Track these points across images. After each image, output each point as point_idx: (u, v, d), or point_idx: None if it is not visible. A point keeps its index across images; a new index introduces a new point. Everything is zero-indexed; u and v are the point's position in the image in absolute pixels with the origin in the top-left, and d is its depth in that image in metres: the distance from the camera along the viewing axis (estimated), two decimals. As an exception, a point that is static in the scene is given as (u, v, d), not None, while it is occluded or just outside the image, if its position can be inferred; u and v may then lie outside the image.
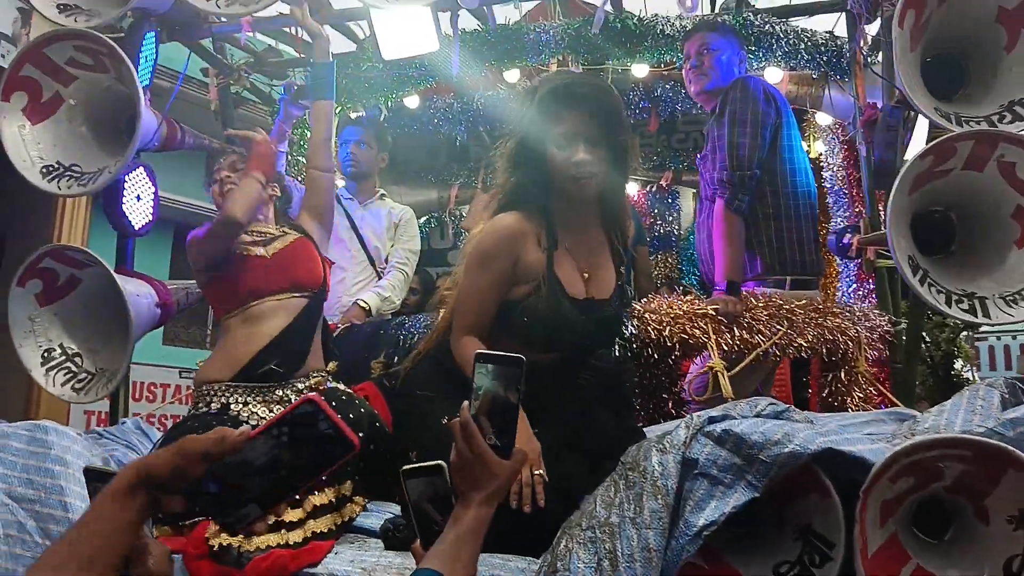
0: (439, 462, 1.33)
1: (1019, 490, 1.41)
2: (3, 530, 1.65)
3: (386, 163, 3.73)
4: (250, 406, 2.12)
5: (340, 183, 3.96)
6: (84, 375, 2.85)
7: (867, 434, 1.67)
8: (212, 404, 2.13)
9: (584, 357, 2.06)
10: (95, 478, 1.33)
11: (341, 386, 2.27)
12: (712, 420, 1.53)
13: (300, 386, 2.20)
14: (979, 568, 1.46)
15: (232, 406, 2.11)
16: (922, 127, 2.92)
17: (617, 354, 2.53)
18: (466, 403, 1.23)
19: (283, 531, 1.79)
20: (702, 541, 1.43)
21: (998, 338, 13.49)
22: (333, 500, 1.91)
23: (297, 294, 2.30)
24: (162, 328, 8.50)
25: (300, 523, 1.82)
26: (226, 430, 1.03)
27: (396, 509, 1.93)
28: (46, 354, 2.84)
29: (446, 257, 5.29)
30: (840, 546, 1.46)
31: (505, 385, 1.25)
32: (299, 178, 4.03)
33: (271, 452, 1.06)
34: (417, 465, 1.36)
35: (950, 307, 2.24)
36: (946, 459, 1.44)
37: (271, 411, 2.11)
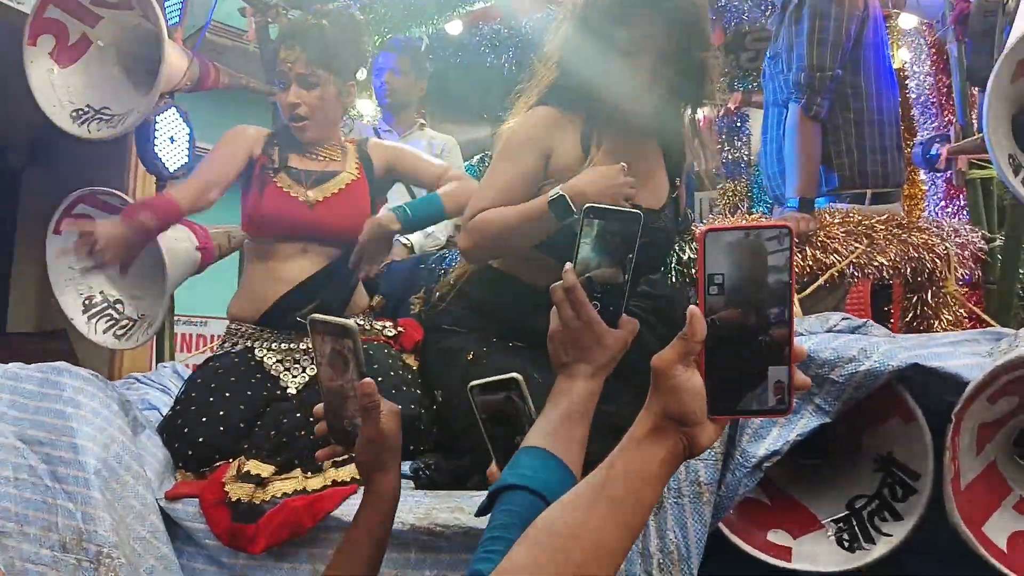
0: (513, 374, 1.19)
1: None
2: (14, 474, 1.57)
3: (424, 91, 3.54)
4: (273, 354, 2.00)
5: (375, 113, 3.81)
6: (126, 321, 2.79)
7: (962, 353, 1.43)
8: (237, 344, 2.02)
9: (633, 276, 1.84)
10: (317, 327, 1.21)
11: (379, 324, 2.12)
12: (773, 336, 1.32)
13: None
14: (1099, 502, 1.23)
15: (256, 350, 2.00)
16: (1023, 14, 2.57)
17: (674, 280, 2.31)
18: (569, 265, 1.06)
19: (300, 477, 1.67)
20: (762, 474, 1.23)
21: (1105, 267, 12.60)
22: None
23: (333, 244, 2.12)
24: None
25: (320, 470, 1.69)
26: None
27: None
28: (87, 302, 2.79)
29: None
30: (927, 477, 1.24)
31: (617, 245, 1.09)
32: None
33: None
34: (487, 380, 1.22)
35: (1058, 210, 1.95)
36: (1060, 373, 1.20)
37: (295, 360, 1.99)
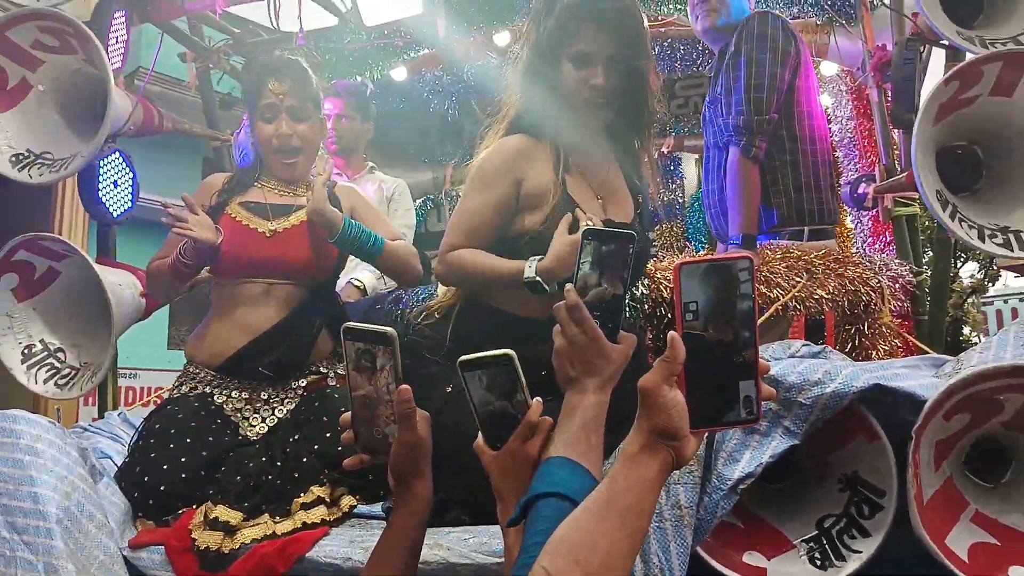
0: (507, 351, 1.22)
1: (1090, 421, 1.26)
2: (-31, 527, 1.50)
3: (371, 133, 3.57)
4: (232, 401, 1.97)
5: (323, 155, 3.81)
6: (68, 370, 2.70)
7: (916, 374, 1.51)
8: (196, 388, 1.98)
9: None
10: (353, 335, 1.22)
11: (342, 369, 2.11)
12: (742, 362, 1.38)
13: (293, 384, 2.03)
14: (1046, 510, 1.32)
15: (216, 396, 1.97)
16: (937, 63, 2.77)
17: (628, 315, 2.38)
18: (569, 285, 1.14)
19: (268, 522, 1.64)
20: (738, 496, 1.28)
21: (1005, 301, 13.36)
22: (325, 497, 1.74)
23: (295, 282, 2.09)
24: (167, 333, 8.44)
25: (289, 514, 1.67)
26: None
27: None
28: (27, 351, 2.69)
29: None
30: (892, 494, 1.31)
31: (613, 264, 1.17)
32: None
33: None
34: (477, 355, 1.23)
35: (983, 242, 2.09)
36: (1007, 390, 1.29)
37: (255, 410, 1.96)
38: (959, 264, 14.18)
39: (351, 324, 1.23)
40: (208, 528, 1.58)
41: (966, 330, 14.56)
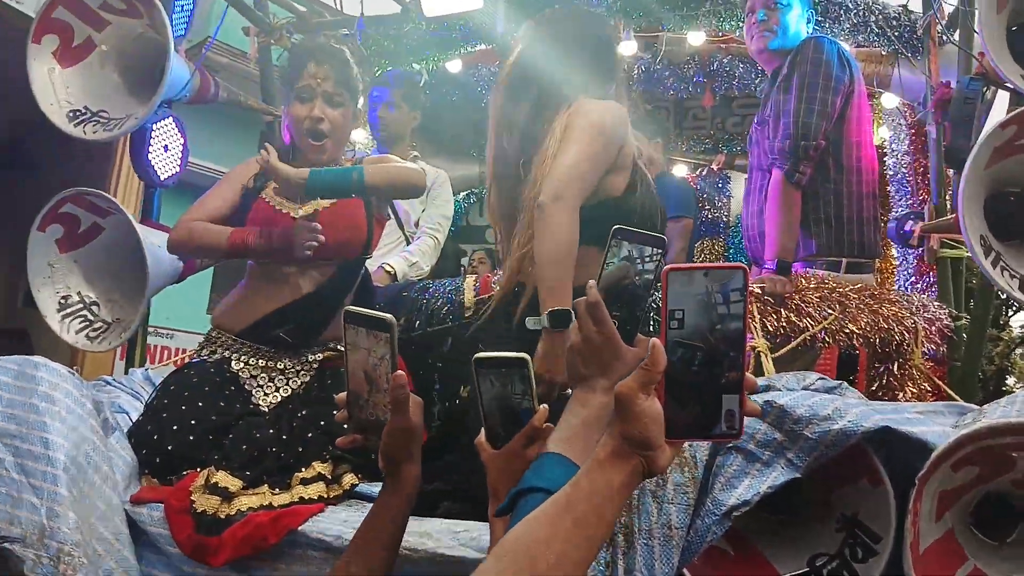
0: (523, 354, 1.23)
1: (1106, 489, 1.22)
2: (-19, 465, 1.55)
3: (418, 121, 3.58)
4: (249, 368, 2.00)
5: (367, 142, 3.84)
6: (100, 324, 2.77)
7: (929, 420, 1.47)
8: (216, 353, 2.02)
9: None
10: (353, 320, 1.24)
11: None
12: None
13: (310, 357, 2.06)
14: (1051, 575, 1.27)
15: (233, 362, 2.00)
16: (1001, 105, 2.69)
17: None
18: (592, 282, 1.10)
19: (267, 493, 1.67)
20: (731, 522, 1.26)
21: (1053, 353, 12.94)
22: (326, 473, 1.76)
23: (326, 261, 2.12)
24: (208, 298, 8.62)
25: (288, 487, 1.69)
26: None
27: None
28: (63, 300, 2.77)
29: (484, 234, 5.14)
30: (888, 540, 1.28)
31: (639, 265, 1.15)
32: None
33: None
34: (494, 355, 1.25)
35: (1024, 293, 2.03)
36: (1021, 447, 1.24)
37: (270, 378, 2.00)
38: (1010, 313, 13.79)
39: (352, 308, 1.24)
40: (208, 492, 1.61)
41: (1010, 380, 14.15)
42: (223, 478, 1.64)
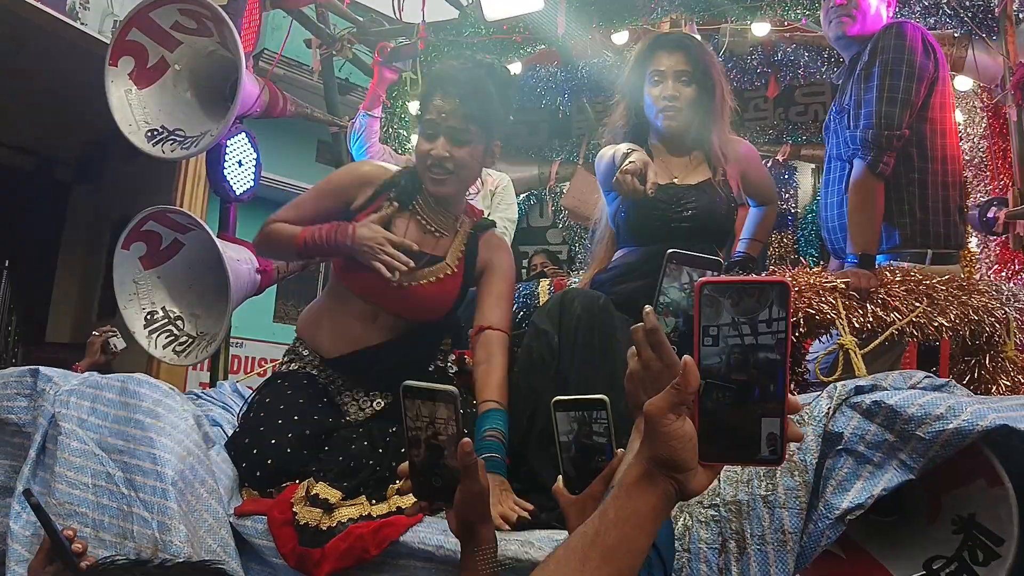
0: (602, 396, 1.21)
1: None
2: (92, 480, 1.61)
3: None
4: (337, 385, 2.04)
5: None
6: (185, 338, 2.85)
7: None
8: (304, 368, 2.05)
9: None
10: (413, 394, 1.25)
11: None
12: (859, 390, 1.33)
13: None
14: None
15: (320, 378, 2.04)
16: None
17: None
18: (649, 307, 1.06)
19: (365, 503, 1.69)
20: (845, 526, 1.23)
21: None
22: None
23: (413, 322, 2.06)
24: (273, 306, 8.81)
25: (384, 498, 1.71)
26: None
27: None
28: (149, 316, 2.86)
29: (545, 235, 5.14)
30: (1012, 542, 1.24)
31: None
32: (398, 149, 3.99)
33: None
34: (573, 398, 1.24)
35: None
36: None
37: (356, 395, 2.02)
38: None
39: (410, 384, 1.23)
40: (309, 504, 1.64)
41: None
42: (323, 489, 1.66)
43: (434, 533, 1.56)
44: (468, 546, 1.27)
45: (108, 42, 2.91)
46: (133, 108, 2.87)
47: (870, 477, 1.25)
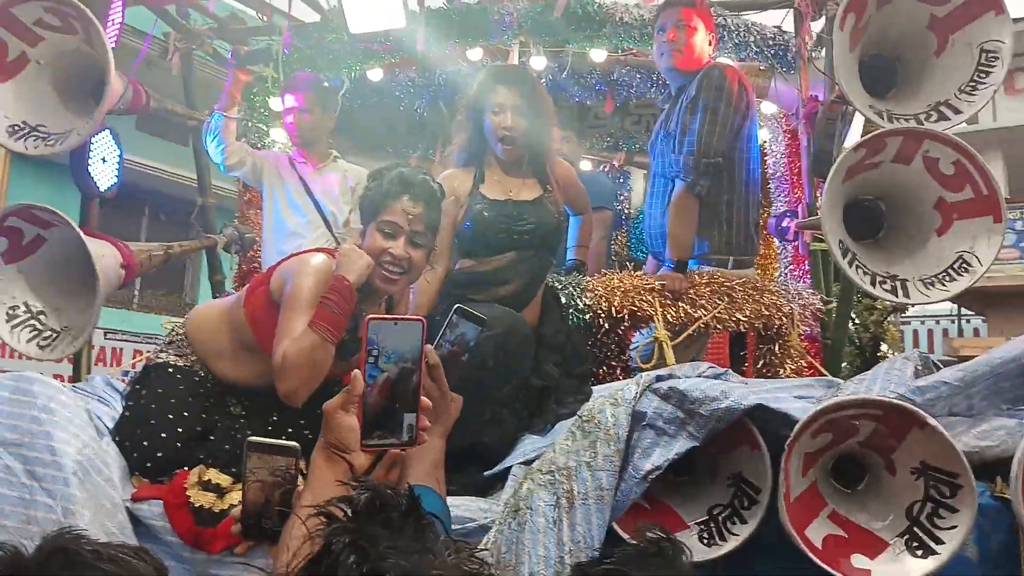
0: (294, 444, 1.51)
1: (921, 445, 1.62)
2: (-9, 472, 1.73)
3: (333, 123, 3.77)
4: (222, 387, 2.18)
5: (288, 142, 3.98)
6: (49, 332, 2.88)
7: (797, 397, 1.86)
8: (180, 361, 2.17)
9: (531, 258, 2.52)
10: (257, 449, 1.48)
11: None
12: (659, 379, 1.71)
13: None
14: (885, 513, 1.68)
15: (207, 380, 2.18)
16: (859, 120, 3.13)
17: (572, 322, 2.69)
18: (430, 347, 1.34)
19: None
20: (647, 484, 1.61)
21: (922, 322, 14.17)
22: (303, 469, 1.97)
23: None
24: (136, 296, 8.52)
25: None
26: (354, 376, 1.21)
27: None
28: (11, 311, 2.86)
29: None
30: (766, 492, 1.66)
31: (462, 336, 1.44)
32: (256, 144, 4.10)
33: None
34: (267, 441, 1.53)
35: (874, 287, 2.45)
36: (861, 417, 1.64)
37: (238, 399, 2.19)
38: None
39: (254, 440, 1.48)
40: (202, 488, 1.84)
41: (884, 347, 15.40)
42: (215, 475, 1.86)
43: (316, 506, 1.80)
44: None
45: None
46: (-9, 102, 2.86)
47: (666, 445, 1.64)
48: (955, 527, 1.54)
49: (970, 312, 13.11)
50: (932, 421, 1.56)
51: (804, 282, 3.56)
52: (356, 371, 1.20)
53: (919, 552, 1.56)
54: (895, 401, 1.62)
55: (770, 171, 4.14)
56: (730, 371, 1.85)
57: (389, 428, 1.22)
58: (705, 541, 1.65)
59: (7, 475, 1.74)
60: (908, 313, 14.92)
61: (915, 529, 1.59)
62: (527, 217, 2.56)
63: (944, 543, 1.54)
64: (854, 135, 3.09)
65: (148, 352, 2.49)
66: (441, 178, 2.45)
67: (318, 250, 2.16)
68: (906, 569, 1.56)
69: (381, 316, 1.22)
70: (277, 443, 1.49)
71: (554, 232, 2.67)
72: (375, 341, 1.21)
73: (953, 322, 13.76)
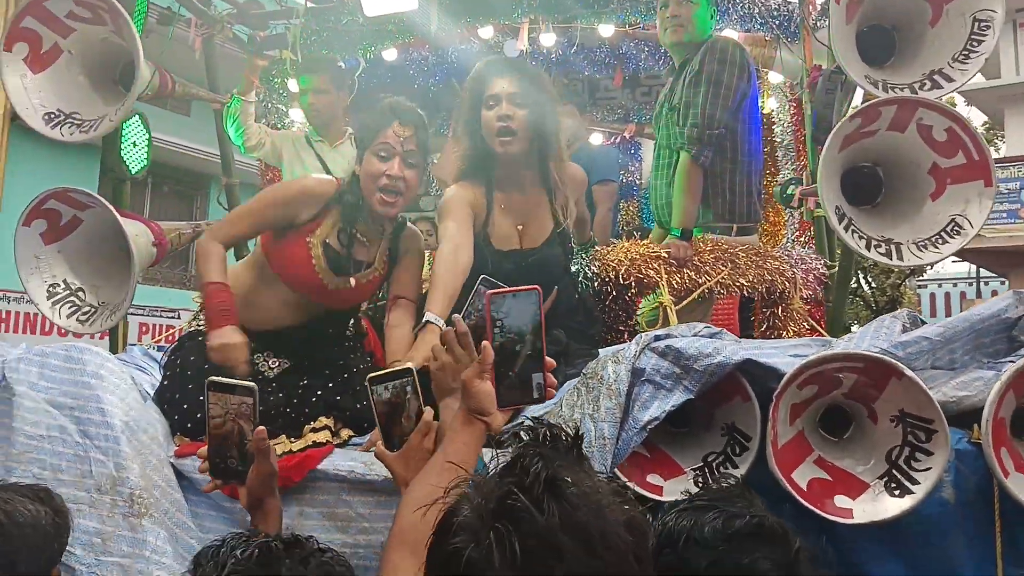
0: (408, 365, 1.68)
1: (899, 395, 1.74)
2: (47, 432, 1.91)
3: (347, 101, 3.90)
4: (252, 348, 2.28)
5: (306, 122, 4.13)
6: (88, 308, 3.06)
7: (792, 355, 1.99)
8: None
9: None
10: (215, 388, 1.62)
11: None
12: (657, 338, 1.85)
13: None
14: (867, 458, 1.80)
15: None
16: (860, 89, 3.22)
17: (581, 288, 2.82)
18: (458, 316, 1.54)
19: (285, 441, 2.07)
20: (646, 433, 1.75)
21: (939, 285, 14.17)
22: (331, 426, 2.15)
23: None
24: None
25: (301, 436, 2.10)
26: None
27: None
28: (51, 289, 3.04)
29: (417, 203, 5.50)
30: (756, 439, 1.79)
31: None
32: (276, 124, 4.25)
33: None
34: (384, 371, 1.70)
35: (869, 251, 2.55)
36: (844, 370, 1.76)
37: (269, 354, 2.34)
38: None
39: (215, 379, 1.62)
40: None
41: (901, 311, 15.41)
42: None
43: (345, 460, 1.97)
44: (256, 517, 1.64)
45: (-4, 30, 3.03)
46: (29, 92, 3.02)
47: (663, 398, 1.77)
48: (930, 468, 1.67)
49: (992, 273, 13.11)
50: (909, 372, 1.68)
51: (810, 247, 3.67)
52: (486, 343, 1.39)
53: (896, 492, 1.69)
54: (874, 354, 1.74)
55: (778, 139, 4.24)
56: (724, 331, 1.97)
57: (520, 389, 1.42)
58: (700, 484, 1.79)
59: (62, 435, 1.92)
60: (925, 276, 14.98)
61: (893, 471, 1.72)
62: (534, 270, 2.44)
63: (919, 483, 1.67)
64: (858, 102, 3.18)
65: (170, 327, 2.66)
66: (454, 194, 2.45)
67: None
68: (885, 507, 1.68)
69: (500, 291, 1.41)
70: (235, 382, 1.63)
71: (563, 276, 2.65)
72: (497, 313, 1.40)
73: (971, 284, 13.76)
